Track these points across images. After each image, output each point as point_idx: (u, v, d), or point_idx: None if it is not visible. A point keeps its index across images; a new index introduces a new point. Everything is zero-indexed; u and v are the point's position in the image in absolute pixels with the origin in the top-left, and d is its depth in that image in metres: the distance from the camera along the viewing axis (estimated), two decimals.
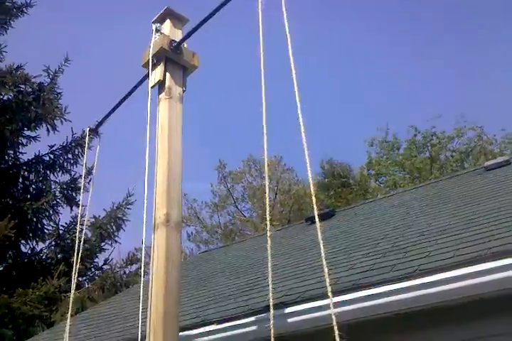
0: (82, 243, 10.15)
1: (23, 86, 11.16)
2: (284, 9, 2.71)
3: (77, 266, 3.64)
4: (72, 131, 11.73)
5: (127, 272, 10.80)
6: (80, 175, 11.78)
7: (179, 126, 3.25)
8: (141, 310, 2.96)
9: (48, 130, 11.97)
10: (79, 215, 6.21)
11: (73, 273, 3.83)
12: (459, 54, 31.01)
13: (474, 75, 29.44)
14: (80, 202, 6.98)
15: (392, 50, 32.29)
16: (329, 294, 2.48)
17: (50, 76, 12.20)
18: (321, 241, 2.67)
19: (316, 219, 2.64)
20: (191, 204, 23.27)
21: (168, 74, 3.35)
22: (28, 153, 12.00)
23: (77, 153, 12.10)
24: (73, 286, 3.57)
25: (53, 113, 11.71)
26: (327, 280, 2.54)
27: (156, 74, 3.38)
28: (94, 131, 4.18)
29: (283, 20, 2.72)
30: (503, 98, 27.15)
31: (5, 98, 11.18)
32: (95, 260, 11.06)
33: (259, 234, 11.75)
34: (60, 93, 12.34)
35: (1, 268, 10.38)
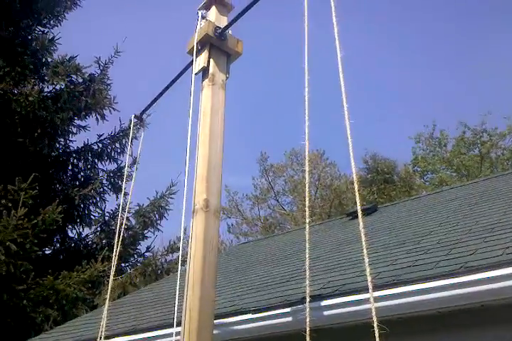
0: (123, 229, 10.41)
1: (74, 76, 11.48)
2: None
3: (118, 249, 3.70)
4: (120, 121, 12.00)
5: (168, 260, 10.99)
6: (129, 165, 12.01)
7: (221, 113, 3.24)
8: (177, 295, 2.98)
9: (97, 119, 12.28)
10: (121, 203, 6.32)
11: (113, 257, 3.90)
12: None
13: None
14: (122, 190, 7.11)
15: (441, 43, 31.28)
16: (370, 287, 2.40)
17: (101, 67, 12.48)
18: (363, 235, 2.59)
19: (359, 211, 2.56)
20: (232, 197, 23.45)
21: (212, 60, 3.34)
22: (77, 141, 12.36)
23: (124, 142, 12.37)
24: (113, 269, 3.63)
25: (102, 103, 12.01)
26: (368, 273, 2.46)
27: (201, 61, 3.37)
28: (139, 118, 4.23)
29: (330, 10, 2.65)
30: None
31: (57, 87, 11.53)
32: (138, 247, 11.31)
33: (299, 228, 11.69)
34: (109, 84, 12.62)
35: (50, 251, 10.76)
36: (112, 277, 3.69)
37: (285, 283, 5.05)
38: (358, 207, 2.59)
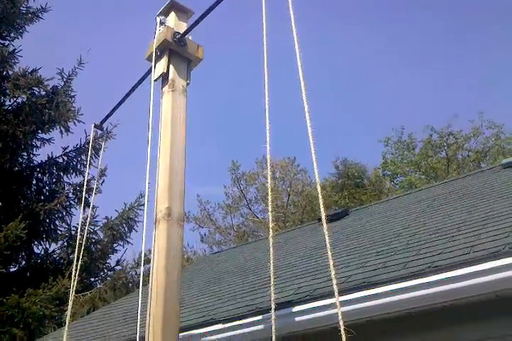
0: (90, 243, 10.13)
1: (36, 88, 11.23)
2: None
3: (79, 263, 3.57)
4: (86, 133, 11.76)
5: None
6: (93, 177, 11.78)
7: (182, 119, 3.18)
8: (139, 310, 2.88)
9: (61, 132, 12.02)
10: (80, 215, 6.12)
11: (73, 272, 3.75)
12: (475, 51, 30.59)
13: (491, 73, 28.96)
14: (82, 203, 6.94)
15: (406, 48, 31.97)
16: (335, 291, 2.37)
17: (64, 79, 12.25)
18: (328, 240, 2.57)
19: (323, 218, 2.52)
20: (204, 206, 23.28)
21: (171, 66, 3.29)
22: (41, 154, 12.06)
23: (90, 154, 12.12)
24: (73, 284, 3.50)
25: (67, 115, 11.77)
26: (333, 277, 2.44)
27: (160, 67, 3.32)
28: (100, 127, 4.13)
29: (289, 13, 2.64)
30: None
31: (19, 100, 11.26)
32: (107, 261, 11.06)
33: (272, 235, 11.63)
34: (73, 96, 12.40)
35: (15, 268, 10.42)
36: (72, 293, 3.55)
37: (256, 291, 4.99)
38: (322, 213, 2.54)
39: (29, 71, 11.62)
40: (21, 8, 12.47)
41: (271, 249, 2.44)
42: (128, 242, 11.32)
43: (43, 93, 11.51)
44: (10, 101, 11.32)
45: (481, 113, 19.88)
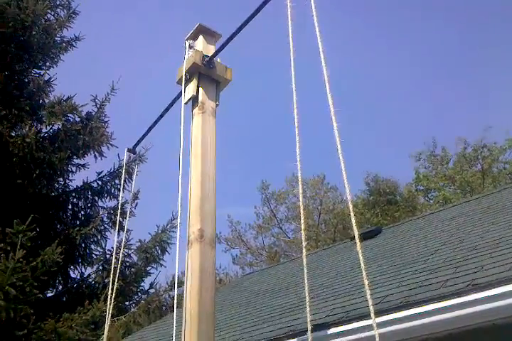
0: (124, 266, 10.19)
1: (71, 115, 11.53)
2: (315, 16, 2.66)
3: (115, 287, 3.60)
4: (119, 157, 11.96)
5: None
6: (126, 200, 11.94)
7: (213, 140, 3.21)
8: (174, 334, 2.87)
9: (95, 157, 12.24)
10: (115, 239, 6.17)
11: (109, 296, 3.78)
12: (504, 62, 30.09)
13: None
14: (117, 226, 7.00)
15: (439, 60, 31.64)
16: (371, 312, 2.31)
17: (98, 105, 12.54)
18: (362, 259, 2.51)
19: (356, 236, 2.47)
20: (235, 227, 23.24)
21: (201, 88, 3.35)
22: (76, 179, 12.31)
23: (124, 178, 12.31)
24: (109, 308, 3.51)
25: (100, 140, 11.99)
26: (369, 298, 2.39)
27: (189, 90, 3.38)
28: (133, 151, 4.21)
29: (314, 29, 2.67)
30: None
31: (54, 127, 11.58)
32: (141, 284, 11.09)
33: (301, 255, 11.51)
34: (106, 121, 12.63)
35: (51, 293, 10.56)
36: (108, 317, 3.57)
37: (290, 313, 4.92)
38: (355, 231, 2.48)
39: (64, 99, 11.97)
40: (56, 38, 12.94)
41: (305, 268, 2.40)
42: (161, 265, 11.34)
43: (78, 119, 11.80)
44: (46, 128, 11.65)
45: None
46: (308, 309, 2.40)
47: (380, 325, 3.37)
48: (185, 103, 3.41)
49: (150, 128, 4.01)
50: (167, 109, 3.82)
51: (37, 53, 12.39)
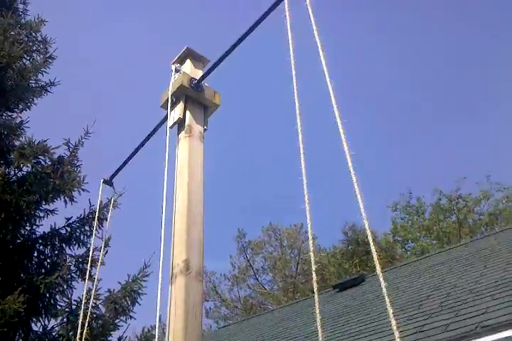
0: (91, 318, 9.48)
1: (42, 157, 11.13)
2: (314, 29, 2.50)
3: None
4: (90, 203, 11.45)
5: None
6: (96, 248, 11.35)
7: (200, 166, 2.96)
8: None
9: (65, 202, 11.67)
10: (84, 290, 5.66)
11: None
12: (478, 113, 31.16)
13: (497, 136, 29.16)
14: (87, 274, 6.51)
15: (410, 112, 32.43)
16: None
17: (70, 149, 12.18)
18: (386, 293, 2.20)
19: (377, 266, 2.15)
20: (209, 278, 22.39)
21: (188, 112, 3.14)
22: (44, 225, 11.70)
23: (94, 224, 11.77)
24: None
25: (71, 184, 11.53)
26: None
27: (175, 113, 3.17)
28: (108, 182, 3.91)
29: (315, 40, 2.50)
30: None
31: (24, 169, 11.13)
32: (109, 338, 10.28)
33: (281, 306, 11.01)
34: (79, 165, 12.23)
35: None
36: None
37: None
38: (376, 263, 2.10)
39: (34, 142, 11.61)
40: (30, 81, 12.77)
41: (317, 308, 2.04)
42: (131, 317, 10.59)
43: (49, 162, 11.41)
44: (15, 170, 11.19)
45: (489, 176, 19.83)
46: None
47: None
48: (171, 127, 3.18)
49: (129, 158, 3.74)
50: (149, 136, 3.58)
51: (10, 96, 12.17)
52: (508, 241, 6.69)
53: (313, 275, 2.15)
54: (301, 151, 2.34)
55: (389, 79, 32.05)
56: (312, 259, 2.36)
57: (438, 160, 28.63)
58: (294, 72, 2.52)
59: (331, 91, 2.34)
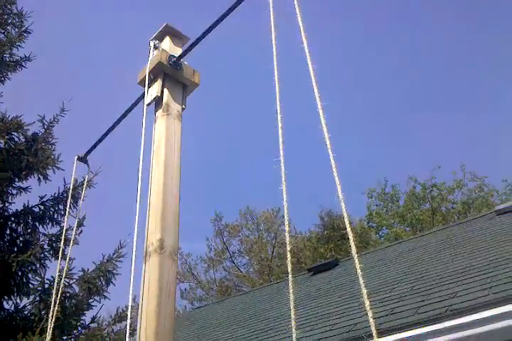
0: (64, 297, 9.43)
1: (15, 133, 10.87)
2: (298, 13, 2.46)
3: (53, 320, 3.15)
4: (65, 181, 11.26)
5: (115, 330, 9.96)
6: (70, 227, 11.22)
7: (177, 144, 2.91)
8: None
9: (39, 180, 11.47)
10: (57, 268, 5.59)
11: (49, 327, 3.33)
12: (455, 101, 31.49)
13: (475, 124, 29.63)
14: (60, 253, 6.43)
15: (385, 97, 32.57)
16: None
17: (45, 126, 11.91)
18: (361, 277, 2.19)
19: (353, 249, 2.16)
20: (185, 259, 22.44)
21: (166, 90, 3.07)
22: (17, 203, 11.49)
23: (67, 203, 11.60)
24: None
25: (45, 162, 11.30)
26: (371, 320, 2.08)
27: (153, 91, 3.10)
28: (83, 160, 3.83)
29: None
30: (504, 146, 27.26)
31: None
32: (82, 317, 10.22)
33: (256, 288, 11.12)
34: (54, 143, 11.99)
35: None
36: None
37: None
38: (352, 243, 2.08)
39: (8, 117, 11.30)
40: (4, 55, 12.39)
41: (290, 289, 2.02)
42: (105, 297, 10.56)
43: (23, 139, 11.16)
44: None
45: (463, 165, 20.16)
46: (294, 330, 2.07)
47: None
48: (148, 104, 3.11)
49: (105, 135, 3.67)
50: (126, 113, 3.51)
51: None
52: (479, 229, 6.83)
53: (288, 255, 2.14)
54: (280, 132, 2.31)
55: (381, 68, 32.07)
56: (287, 237, 2.35)
57: (415, 149, 29.01)
58: (274, 53, 2.48)
59: (312, 72, 2.31)
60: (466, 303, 3.24)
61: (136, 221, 2.64)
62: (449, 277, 4.37)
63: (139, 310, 2.49)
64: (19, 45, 13.08)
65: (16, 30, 13.28)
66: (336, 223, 19.78)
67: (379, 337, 3.20)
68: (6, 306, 10.17)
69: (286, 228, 2.35)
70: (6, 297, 10.16)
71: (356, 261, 1.82)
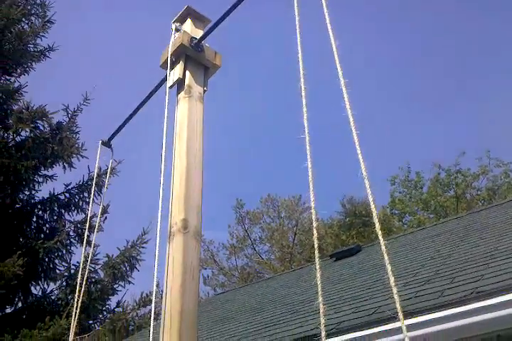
0: (90, 282, 9.60)
1: (40, 122, 11.06)
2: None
3: (79, 305, 3.19)
4: (89, 169, 11.48)
5: (140, 314, 10.18)
6: (95, 214, 11.42)
7: (200, 127, 2.91)
8: None
9: (64, 168, 11.72)
10: (82, 254, 5.70)
11: (73, 313, 3.38)
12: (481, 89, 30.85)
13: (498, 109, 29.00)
14: (85, 239, 6.53)
15: (410, 83, 32.04)
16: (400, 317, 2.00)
17: (69, 115, 12.09)
18: (388, 260, 2.15)
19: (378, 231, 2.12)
20: (208, 246, 22.69)
21: (188, 72, 3.06)
22: (43, 191, 11.71)
23: (93, 191, 11.79)
24: (73, 325, 3.12)
25: (70, 150, 11.50)
26: (397, 302, 2.06)
27: (175, 73, 3.09)
28: (107, 144, 3.87)
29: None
30: None
31: (22, 134, 11.07)
32: (107, 302, 10.47)
33: (278, 274, 11.17)
34: (77, 132, 12.19)
35: (10, 310, 9.86)
36: (71, 335, 3.16)
37: (272, 327, 4.57)
38: (377, 226, 2.02)
39: (33, 107, 11.48)
40: (29, 45, 12.54)
41: (318, 272, 1.99)
42: (129, 282, 10.78)
43: (47, 127, 11.34)
44: (13, 135, 11.12)
45: (488, 151, 19.76)
46: (322, 311, 2.06)
47: (376, 336, 3.06)
48: (170, 87, 3.11)
49: (129, 118, 3.69)
50: (149, 96, 3.52)
51: (7, 59, 11.96)
52: (503, 213, 6.71)
53: (314, 231, 2.11)
54: (305, 117, 2.28)
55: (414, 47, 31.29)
56: (313, 218, 2.32)
57: (439, 136, 28.55)
58: (298, 36, 2.44)
59: (335, 52, 2.26)
60: (492, 285, 3.20)
61: (160, 205, 2.66)
62: (474, 261, 4.31)
63: (164, 290, 2.51)
64: (43, 35, 13.23)
65: (40, 20, 13.42)
66: (357, 210, 19.69)
67: (405, 319, 3.19)
68: (34, 291, 10.49)
69: (313, 209, 2.33)
70: (33, 282, 10.46)
71: (381, 237, 1.79)
